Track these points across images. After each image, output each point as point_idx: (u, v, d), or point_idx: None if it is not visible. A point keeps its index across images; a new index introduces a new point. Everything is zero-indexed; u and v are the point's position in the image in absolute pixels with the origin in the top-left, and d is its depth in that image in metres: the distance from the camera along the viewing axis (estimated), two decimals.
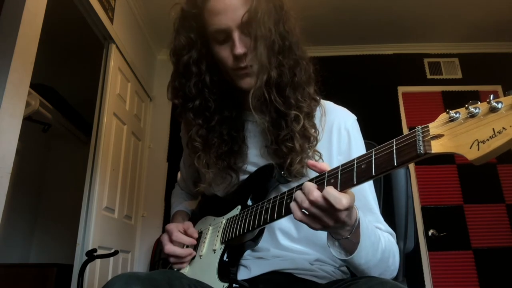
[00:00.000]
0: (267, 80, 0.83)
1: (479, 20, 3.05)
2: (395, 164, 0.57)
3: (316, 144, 0.89)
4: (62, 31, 2.75)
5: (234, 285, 0.80)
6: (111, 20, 2.44)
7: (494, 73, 3.30)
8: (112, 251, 2.08)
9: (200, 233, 0.98)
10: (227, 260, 0.86)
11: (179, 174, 1.28)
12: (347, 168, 0.65)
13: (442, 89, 3.31)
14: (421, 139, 0.55)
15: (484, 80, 3.27)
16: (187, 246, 0.94)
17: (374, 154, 0.61)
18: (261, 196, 0.88)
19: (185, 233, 0.96)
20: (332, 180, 0.65)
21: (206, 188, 0.98)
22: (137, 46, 2.97)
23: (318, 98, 0.94)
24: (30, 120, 2.78)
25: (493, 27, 3.14)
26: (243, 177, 0.96)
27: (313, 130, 0.88)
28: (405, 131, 3.14)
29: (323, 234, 0.73)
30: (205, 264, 0.89)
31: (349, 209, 0.64)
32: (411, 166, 2.99)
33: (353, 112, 0.98)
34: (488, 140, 0.48)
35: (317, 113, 0.94)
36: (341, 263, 0.91)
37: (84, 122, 3.39)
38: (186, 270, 0.93)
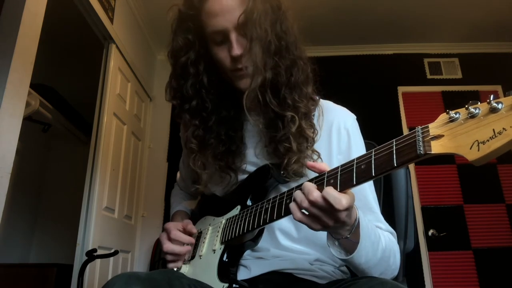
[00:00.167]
0: (262, 82, 0.82)
1: (479, 20, 3.05)
2: (395, 165, 0.57)
3: (313, 144, 0.88)
4: (62, 31, 2.74)
5: (234, 285, 0.80)
6: (111, 20, 2.44)
7: (494, 73, 3.30)
8: (112, 251, 2.08)
9: (199, 233, 0.98)
10: (227, 260, 0.86)
11: (178, 174, 1.28)
12: (346, 168, 0.64)
13: (442, 89, 3.31)
14: (421, 139, 0.55)
15: (484, 80, 3.27)
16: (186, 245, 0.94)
17: (374, 154, 0.61)
18: (260, 196, 0.88)
19: (184, 230, 0.96)
20: (332, 181, 0.65)
21: (203, 188, 0.98)
22: (137, 46, 2.97)
23: (316, 97, 0.94)
24: (30, 120, 2.78)
25: (493, 27, 3.13)
26: (242, 177, 0.95)
27: (311, 130, 0.88)
28: (405, 131, 3.14)
29: (323, 234, 0.73)
30: (205, 264, 0.89)
31: (349, 209, 0.64)
32: (411, 166, 2.98)
33: (353, 112, 0.98)
34: (488, 140, 0.48)
35: (315, 112, 0.93)
36: (341, 263, 0.91)
37: (84, 122, 3.39)
38: (186, 270, 0.93)
